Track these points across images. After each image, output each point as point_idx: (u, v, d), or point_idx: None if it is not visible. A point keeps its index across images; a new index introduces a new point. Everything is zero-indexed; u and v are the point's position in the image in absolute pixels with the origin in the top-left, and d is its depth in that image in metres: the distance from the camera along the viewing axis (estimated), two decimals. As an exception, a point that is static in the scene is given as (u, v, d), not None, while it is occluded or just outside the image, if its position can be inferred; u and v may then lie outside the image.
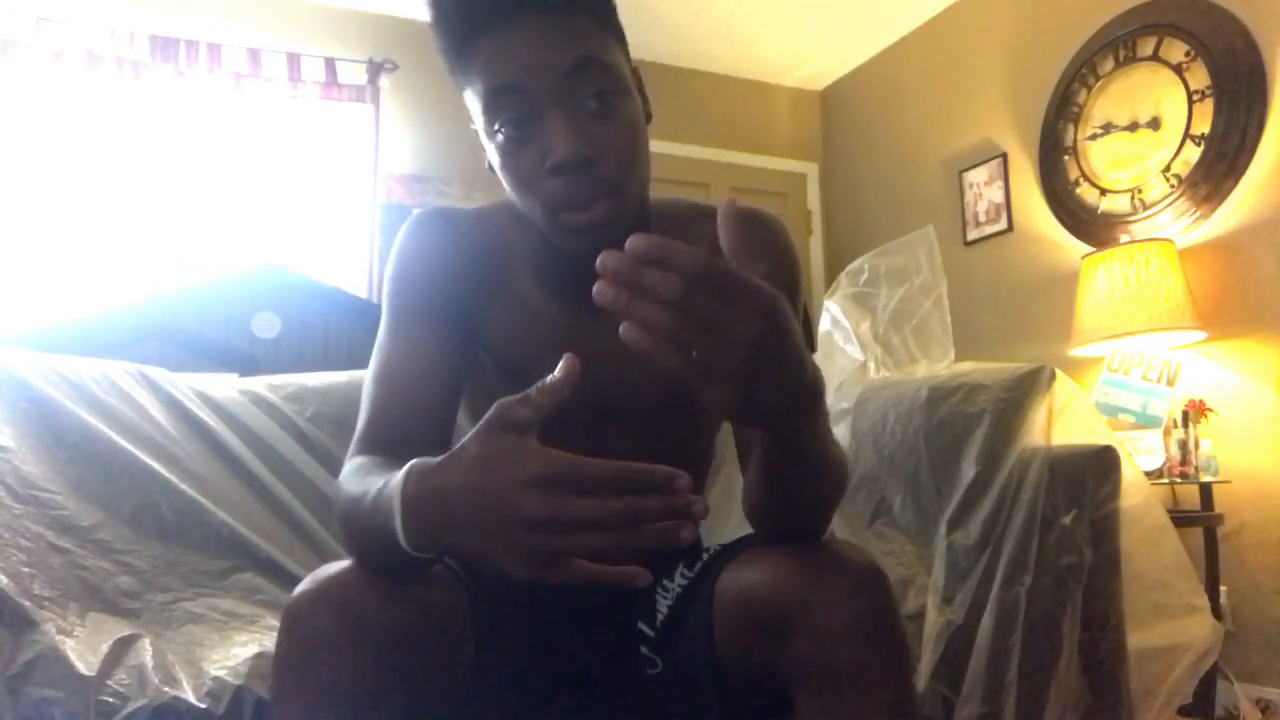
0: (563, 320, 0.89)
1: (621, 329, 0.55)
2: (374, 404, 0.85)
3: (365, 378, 0.88)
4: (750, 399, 0.59)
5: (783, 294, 0.59)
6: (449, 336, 0.88)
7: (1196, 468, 2.35)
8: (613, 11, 0.83)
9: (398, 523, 0.62)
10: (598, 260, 0.54)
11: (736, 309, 0.56)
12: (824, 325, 1.63)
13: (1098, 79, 2.94)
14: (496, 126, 0.79)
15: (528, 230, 0.88)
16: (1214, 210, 2.59)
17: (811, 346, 2.06)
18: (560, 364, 0.59)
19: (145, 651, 1.05)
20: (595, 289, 0.54)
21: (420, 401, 0.85)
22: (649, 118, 0.87)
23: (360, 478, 0.73)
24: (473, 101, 0.81)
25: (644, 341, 0.55)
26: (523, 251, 0.90)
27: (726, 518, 1.45)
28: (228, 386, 1.61)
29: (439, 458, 0.62)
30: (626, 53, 0.85)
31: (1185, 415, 2.41)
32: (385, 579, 0.72)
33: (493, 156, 0.82)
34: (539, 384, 0.59)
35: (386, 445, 0.80)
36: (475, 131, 0.85)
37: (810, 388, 0.63)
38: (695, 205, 0.97)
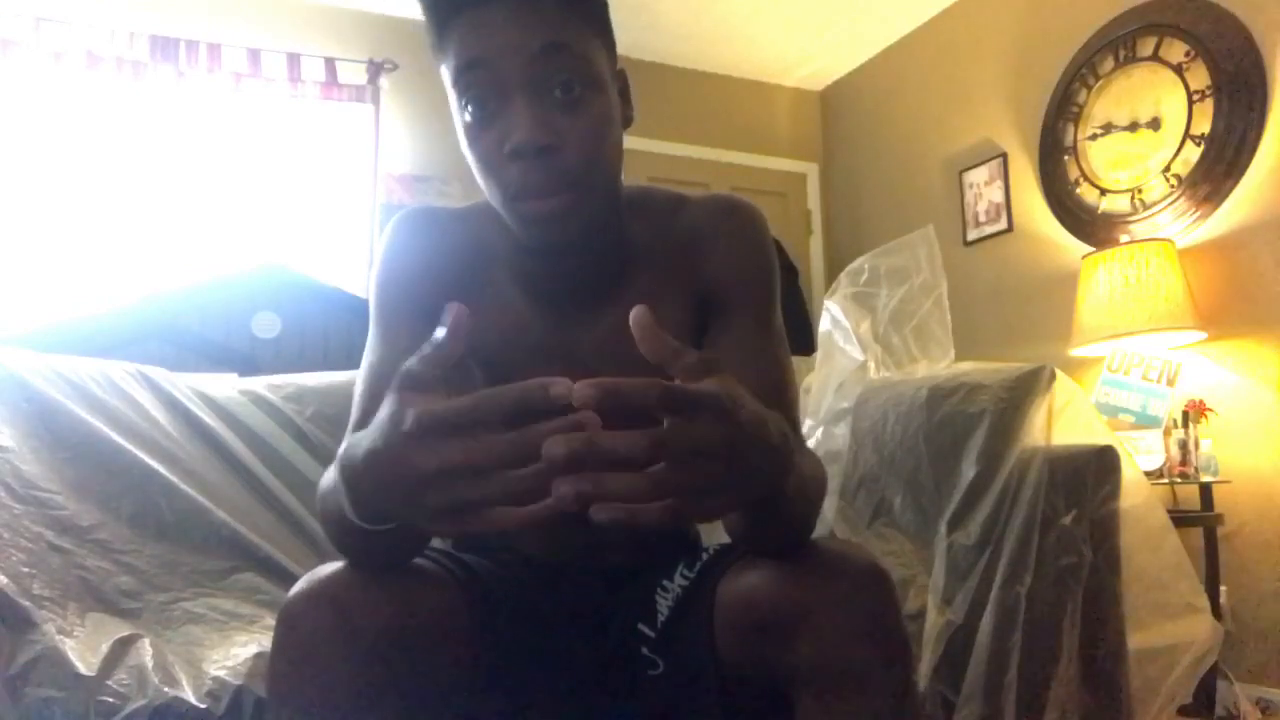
0: (540, 322, 0.89)
1: (594, 514, 0.50)
2: (361, 406, 0.86)
3: (356, 379, 0.88)
4: (736, 499, 0.57)
5: (730, 385, 0.56)
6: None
7: (1196, 468, 2.34)
8: (600, 8, 0.83)
9: (344, 496, 0.63)
10: (544, 448, 0.49)
11: (698, 424, 0.53)
12: (824, 325, 1.63)
13: (1098, 79, 2.94)
14: (464, 102, 0.79)
15: (508, 231, 0.88)
16: (1214, 210, 2.59)
17: (810, 345, 2.05)
18: (446, 314, 0.58)
19: (145, 651, 1.05)
20: (558, 498, 0.49)
21: None
22: (629, 121, 0.86)
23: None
24: (446, 78, 0.81)
25: (626, 517, 0.51)
26: (503, 252, 0.90)
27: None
28: (228, 386, 1.61)
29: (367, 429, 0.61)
30: (611, 53, 0.84)
31: (1185, 415, 2.41)
32: (380, 579, 0.72)
33: (461, 136, 0.82)
34: (431, 338, 0.59)
35: None
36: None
37: (783, 452, 0.60)
38: (671, 194, 0.95)
